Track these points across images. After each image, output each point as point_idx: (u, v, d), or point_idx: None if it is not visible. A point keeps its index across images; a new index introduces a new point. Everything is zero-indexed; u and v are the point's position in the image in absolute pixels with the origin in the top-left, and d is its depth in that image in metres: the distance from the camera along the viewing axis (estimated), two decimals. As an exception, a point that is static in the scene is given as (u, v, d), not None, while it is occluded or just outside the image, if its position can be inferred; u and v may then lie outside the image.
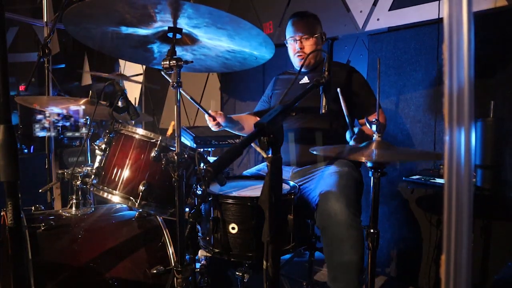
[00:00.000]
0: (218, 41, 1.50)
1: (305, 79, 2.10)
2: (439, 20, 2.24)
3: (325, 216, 1.58)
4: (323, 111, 1.51)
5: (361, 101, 1.99)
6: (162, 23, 1.36)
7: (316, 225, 1.66)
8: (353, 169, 1.85)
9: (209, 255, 1.50)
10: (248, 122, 2.17)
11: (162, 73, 1.46)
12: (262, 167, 2.11)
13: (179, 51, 1.58)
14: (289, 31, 2.07)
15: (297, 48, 2.03)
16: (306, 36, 2.01)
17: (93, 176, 1.59)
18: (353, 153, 1.36)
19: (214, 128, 1.98)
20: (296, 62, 2.10)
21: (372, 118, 1.87)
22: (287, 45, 2.10)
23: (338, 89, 1.63)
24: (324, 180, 1.76)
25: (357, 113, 2.01)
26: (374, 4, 2.58)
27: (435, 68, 2.30)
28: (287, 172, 1.97)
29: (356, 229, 1.53)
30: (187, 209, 1.45)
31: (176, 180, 1.34)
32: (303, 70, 2.11)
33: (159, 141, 1.48)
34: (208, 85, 4.00)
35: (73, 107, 2.03)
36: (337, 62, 2.22)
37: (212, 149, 2.70)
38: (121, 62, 4.97)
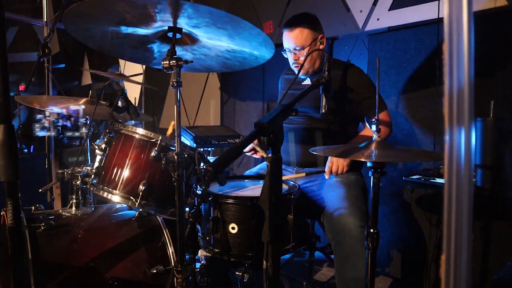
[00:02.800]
0: (218, 41, 1.49)
1: (307, 81, 2.08)
2: (439, 20, 2.24)
3: (338, 230, 1.58)
4: (323, 111, 1.51)
5: (361, 101, 1.91)
6: (162, 22, 1.36)
7: (327, 238, 1.65)
8: (358, 175, 1.83)
9: (209, 255, 1.50)
10: None
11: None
12: (264, 165, 2.10)
13: (179, 51, 1.58)
14: (284, 42, 1.99)
15: (292, 60, 1.98)
16: (299, 48, 1.93)
17: (93, 176, 1.59)
18: (353, 153, 1.36)
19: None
20: (295, 71, 2.02)
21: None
22: (284, 55, 2.01)
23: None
24: (331, 188, 1.74)
25: (359, 113, 1.94)
26: (374, 4, 2.58)
27: (435, 68, 2.30)
28: (289, 173, 1.96)
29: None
30: (187, 209, 1.45)
31: (176, 180, 1.34)
32: (309, 77, 2.07)
33: (159, 141, 1.48)
34: (208, 85, 4.00)
35: (73, 107, 2.03)
36: (336, 60, 2.12)
37: (212, 149, 2.69)
38: (121, 62, 4.97)
